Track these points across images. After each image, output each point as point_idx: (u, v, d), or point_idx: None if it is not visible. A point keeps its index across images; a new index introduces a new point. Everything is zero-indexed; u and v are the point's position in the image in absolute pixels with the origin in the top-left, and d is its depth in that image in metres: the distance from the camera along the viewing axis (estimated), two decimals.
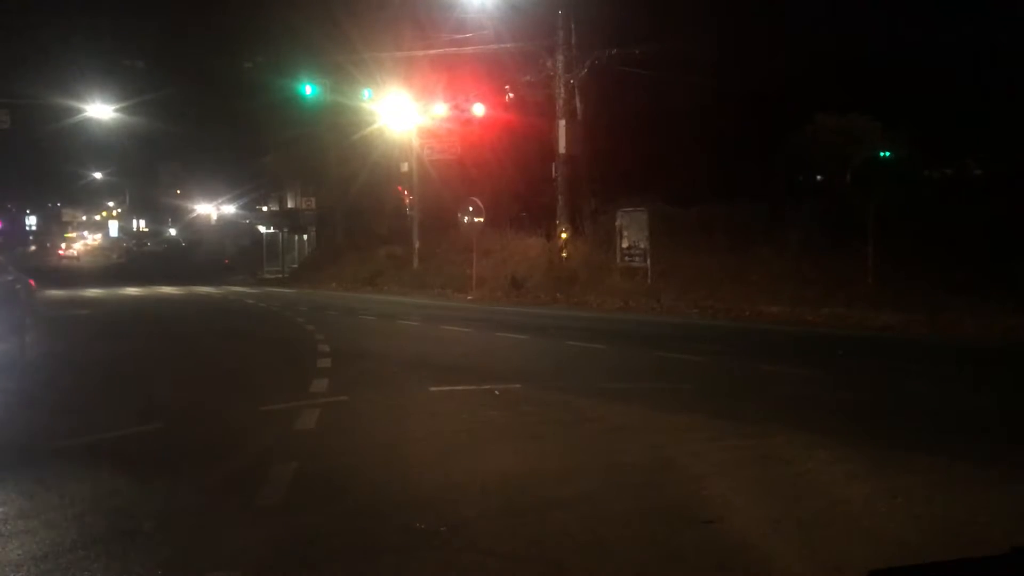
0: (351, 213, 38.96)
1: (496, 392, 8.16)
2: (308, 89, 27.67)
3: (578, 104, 23.51)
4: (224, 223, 60.80)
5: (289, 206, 50.46)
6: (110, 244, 71.08)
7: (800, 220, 18.94)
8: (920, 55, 20.25)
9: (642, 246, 20.99)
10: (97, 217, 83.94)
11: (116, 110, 33.53)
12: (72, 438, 6.26)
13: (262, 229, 53.93)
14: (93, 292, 28.87)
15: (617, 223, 21.59)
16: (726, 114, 21.97)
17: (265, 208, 55.08)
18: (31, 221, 70.15)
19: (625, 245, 21.43)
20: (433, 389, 8.30)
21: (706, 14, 22.16)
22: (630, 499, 4.85)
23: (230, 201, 58.41)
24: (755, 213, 20.21)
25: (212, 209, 61.88)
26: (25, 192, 61.93)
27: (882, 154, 18.48)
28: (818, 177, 22.32)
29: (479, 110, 25.22)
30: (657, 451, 5.84)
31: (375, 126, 30.62)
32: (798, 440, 6.09)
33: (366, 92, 28.22)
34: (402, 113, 28.99)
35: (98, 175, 68.77)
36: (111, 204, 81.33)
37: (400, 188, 33.54)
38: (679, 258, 20.30)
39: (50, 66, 40.98)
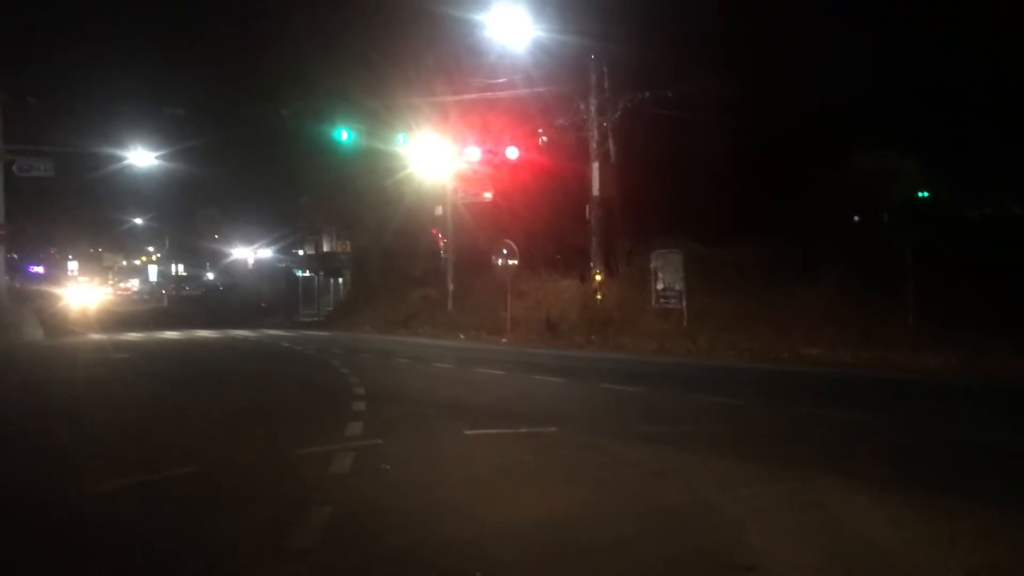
0: (386, 256, 39.25)
1: (531, 436, 8.10)
2: (344, 134, 28.02)
3: (611, 146, 23.60)
4: (261, 267, 61.55)
5: (325, 249, 51.02)
6: (150, 289, 72.12)
7: (837, 260, 18.73)
8: (958, 93, 20.13)
9: (677, 287, 20.86)
10: (137, 262, 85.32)
11: (157, 157, 34.21)
12: (109, 481, 6.28)
13: (298, 272, 54.52)
14: (133, 336, 29.26)
15: (652, 265, 21.50)
16: (760, 154, 21.92)
17: (301, 252, 55.75)
18: (72, 266, 71.33)
19: (660, 287, 21.31)
20: (468, 432, 8.25)
21: (738, 54, 22.22)
22: (668, 544, 4.77)
23: (267, 245, 59.20)
24: (791, 253, 20.04)
25: (249, 253, 62.69)
26: (67, 237, 63.11)
27: (920, 194, 18.30)
28: (855, 217, 22.16)
29: (513, 153, 25.37)
30: (695, 496, 5.74)
31: (409, 170, 30.92)
32: (839, 485, 5.96)
33: (401, 137, 28.52)
34: (436, 157, 29.25)
35: (138, 220, 70.02)
36: (151, 249, 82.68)
37: (434, 231, 33.78)
38: (715, 299, 20.13)
39: (92, 115, 42.04)
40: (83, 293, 49.77)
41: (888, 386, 12.82)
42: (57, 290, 43.55)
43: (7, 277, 31.22)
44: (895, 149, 21.00)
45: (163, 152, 34.33)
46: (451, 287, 30.24)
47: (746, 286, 19.84)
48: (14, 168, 29.28)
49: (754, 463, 6.75)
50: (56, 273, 60.31)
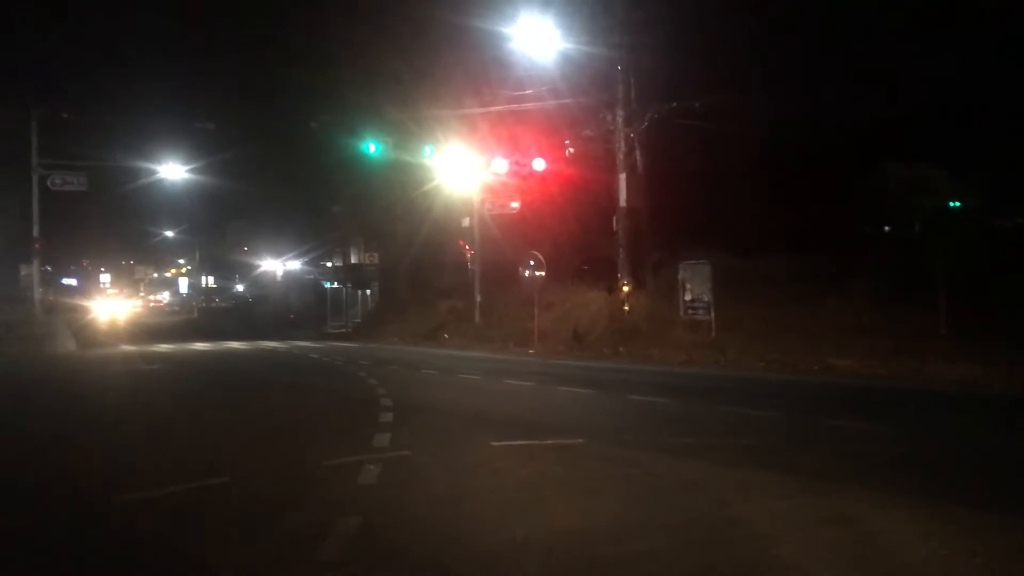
0: (413, 268, 39.41)
1: (559, 447, 8.07)
2: (372, 147, 28.20)
3: (638, 157, 23.55)
4: (289, 279, 61.99)
5: (353, 261, 51.31)
6: (180, 300, 72.86)
7: (868, 271, 18.56)
8: (990, 101, 19.90)
9: (705, 299, 20.75)
10: (168, 274, 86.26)
11: (188, 171, 34.66)
12: (139, 492, 6.33)
13: (326, 284, 54.85)
14: (164, 348, 29.56)
15: (680, 276, 21.41)
16: (789, 164, 21.79)
17: (329, 264, 56.10)
18: (104, 278, 72.26)
19: (688, 298, 21.20)
20: (495, 444, 8.24)
21: (767, 64, 22.13)
22: (696, 558, 4.73)
23: (295, 257, 59.64)
24: (821, 264, 19.89)
25: (278, 265, 63.18)
26: (99, 250, 64.01)
27: (952, 203, 18.10)
28: (885, 227, 21.95)
29: (539, 165, 25.40)
30: (724, 508, 5.69)
31: (437, 182, 31.05)
32: (871, 498, 5.88)
33: (428, 149, 28.66)
34: (463, 169, 29.35)
35: (169, 233, 70.87)
36: (181, 261, 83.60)
37: (461, 243, 33.86)
38: (744, 310, 20.00)
39: (125, 129, 42.57)
40: (114, 305, 50.39)
41: (921, 398, 12.66)
42: (89, 302, 44.13)
43: (41, 289, 31.67)
44: (926, 159, 20.79)
45: (194, 166, 34.82)
46: (478, 299, 30.28)
47: (775, 297, 19.71)
48: (48, 183, 29.79)
49: (784, 475, 6.68)
50: (89, 285, 61.12)
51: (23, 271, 33.17)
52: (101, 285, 67.27)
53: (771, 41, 22.46)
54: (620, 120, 23.12)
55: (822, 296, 18.94)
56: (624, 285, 23.17)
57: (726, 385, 14.77)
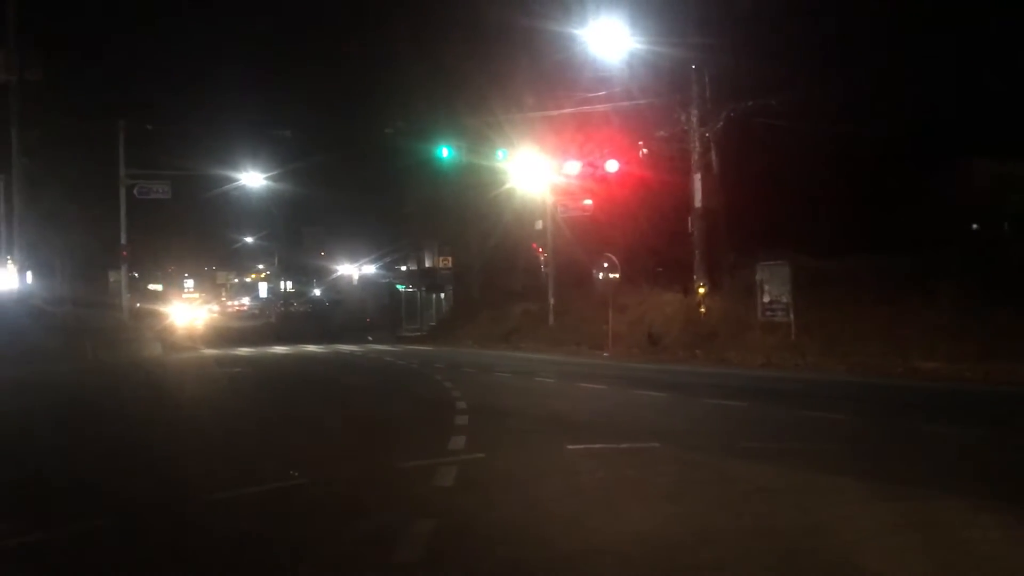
0: (486, 271, 39.61)
1: (634, 451, 7.99)
2: (445, 152, 28.43)
3: (714, 157, 23.25)
4: (365, 283, 62.89)
5: (427, 265, 51.81)
6: (260, 305, 74.43)
7: (955, 271, 17.96)
8: None
9: (784, 300, 20.34)
10: (248, 279, 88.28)
11: (266, 178, 35.49)
12: (219, 492, 6.46)
13: (401, 288, 55.48)
14: (245, 351, 30.27)
15: (757, 277, 21.04)
16: (868, 161, 21.25)
17: (404, 268, 56.77)
18: (188, 283, 74.41)
19: (766, 299, 20.81)
20: (570, 447, 8.20)
21: (845, 59, 21.60)
22: (777, 565, 4.61)
23: (371, 262, 60.50)
24: (904, 264, 19.34)
25: (354, 270, 64.15)
26: (183, 256, 65.91)
27: None
28: (973, 225, 21.24)
29: (612, 166, 25.27)
30: (805, 515, 5.55)
31: (509, 185, 31.14)
32: (958, 504, 5.67)
33: (500, 152, 28.76)
34: (535, 172, 29.37)
35: (249, 239, 72.56)
36: (261, 266, 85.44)
37: (534, 245, 33.87)
38: (824, 312, 19.55)
39: (206, 139, 43.84)
40: (197, 310, 51.81)
41: (1012, 401, 12.20)
42: (174, 307, 45.41)
43: (128, 295, 32.74)
44: (1015, 154, 20.04)
45: (273, 173, 35.67)
46: (552, 301, 30.26)
47: (857, 299, 19.24)
48: (135, 192, 30.79)
49: (866, 481, 6.48)
50: (173, 291, 62.95)
51: (112, 278, 34.37)
52: (185, 290, 69.21)
53: (849, 34, 21.94)
54: (695, 120, 22.86)
55: (906, 297, 18.40)
56: (700, 287, 22.88)
57: (806, 388, 14.46)
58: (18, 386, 15.92)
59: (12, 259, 26.78)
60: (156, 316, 36.81)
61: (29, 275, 26.84)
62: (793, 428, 9.92)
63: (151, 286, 57.84)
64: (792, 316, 20.06)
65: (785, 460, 7.41)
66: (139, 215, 32.94)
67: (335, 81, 64.45)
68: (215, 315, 57.13)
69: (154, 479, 7.19)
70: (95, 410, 12.66)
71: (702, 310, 22.85)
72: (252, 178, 35.08)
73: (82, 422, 11.16)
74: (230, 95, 73.52)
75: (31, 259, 26.65)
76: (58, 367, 19.35)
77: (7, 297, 27.53)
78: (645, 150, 24.98)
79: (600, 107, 24.94)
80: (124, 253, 31.73)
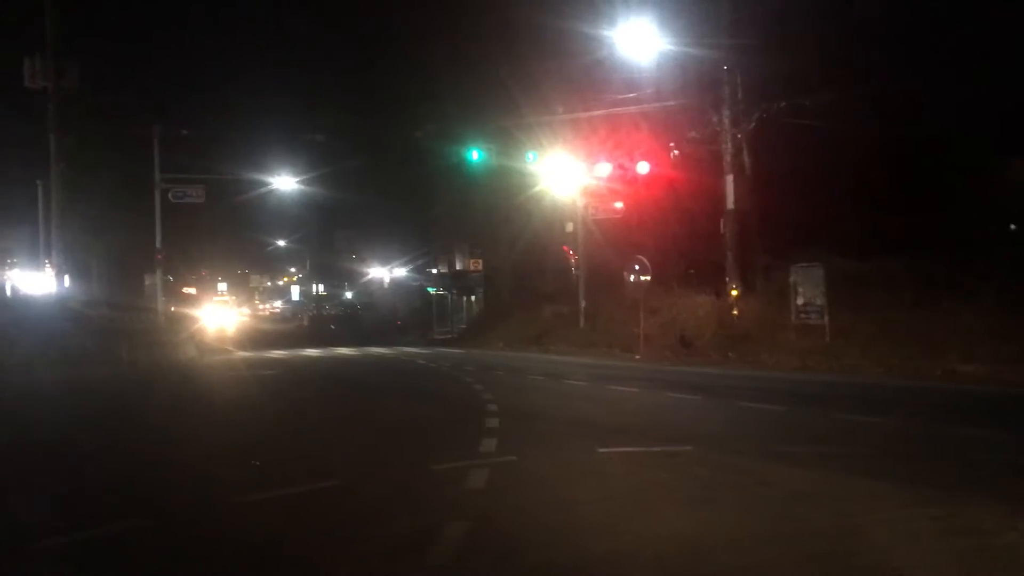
0: (517, 274, 39.60)
1: (667, 454, 7.93)
2: (475, 154, 28.47)
3: (746, 158, 23.05)
4: (396, 285, 63.15)
5: (457, 268, 51.91)
6: (292, 308, 75.00)
7: (994, 273, 17.67)
8: None
9: (818, 302, 20.12)
10: (280, 282, 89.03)
11: (298, 182, 35.77)
12: (254, 493, 6.50)
13: (431, 291, 55.66)
14: (278, 354, 30.49)
15: (791, 279, 20.82)
16: (903, 161, 20.98)
17: (434, 270, 56.91)
18: (222, 287, 75.16)
19: (800, 302, 20.59)
20: (602, 450, 8.15)
21: (879, 59, 21.34)
22: (812, 570, 4.56)
23: (401, 264, 60.74)
24: (941, 266, 19.07)
25: (385, 272, 64.43)
26: (216, 259, 66.61)
27: None
28: (1011, 226, 20.90)
29: (643, 168, 25.15)
30: (841, 519, 5.47)
31: (539, 187, 31.11)
32: (998, 510, 5.56)
33: (530, 155, 28.74)
34: (566, 174, 29.32)
35: (281, 242, 73.16)
36: (293, 269, 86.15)
37: (565, 248, 33.82)
38: (859, 314, 19.31)
39: (239, 143, 44.25)
40: (230, 313, 52.30)
41: None
42: (208, 310, 45.88)
43: (164, 298, 33.12)
44: None
45: (304, 177, 35.91)
46: (583, 304, 30.18)
47: (893, 301, 18.99)
48: (169, 196, 31.16)
49: (904, 486, 6.39)
50: (207, 294, 63.60)
51: (147, 281, 34.78)
52: (219, 294, 69.87)
53: (884, 34, 21.68)
54: (727, 121, 22.68)
55: (943, 299, 18.14)
56: (733, 289, 22.70)
57: (842, 391, 14.29)
58: (57, 389, 16.14)
59: (50, 263, 27.19)
60: (189, 319, 37.21)
61: (67, 278, 27.21)
62: (829, 432, 9.80)
63: (185, 289, 58.44)
64: (826, 318, 19.83)
65: (821, 464, 7.31)
66: (174, 219, 33.31)
67: (367, 85, 64.72)
68: (246, 318, 57.66)
69: (190, 480, 7.26)
70: (131, 413, 12.80)
71: (735, 312, 22.66)
72: (284, 182, 35.39)
73: (118, 424, 11.29)
74: (263, 100, 74.27)
75: (69, 262, 27.02)
76: (95, 370, 19.60)
77: (45, 300, 27.96)
78: (676, 152, 24.83)
79: (631, 109, 24.85)
80: (159, 256, 32.11)
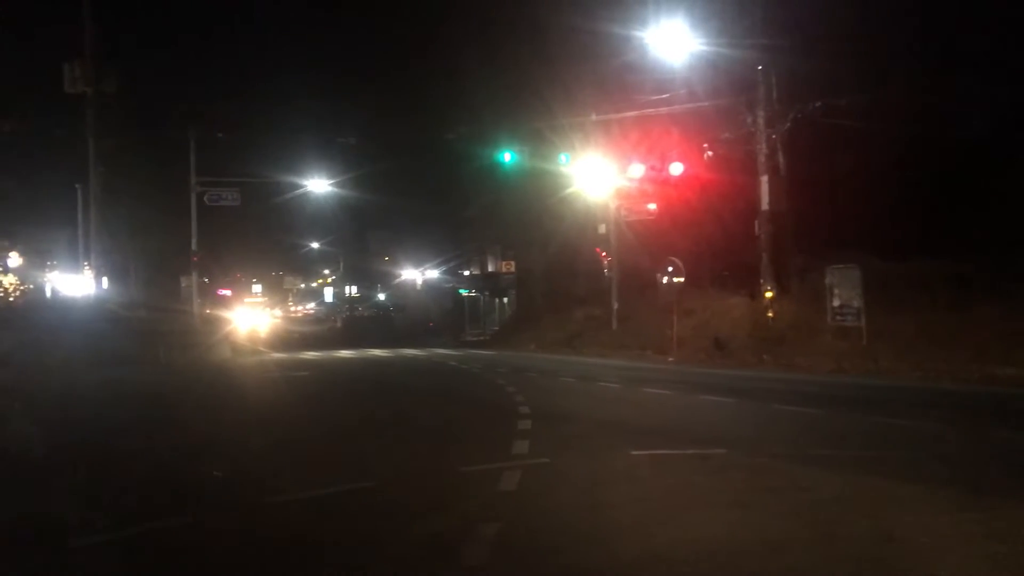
0: (549, 275, 39.53)
1: (700, 457, 7.88)
2: (507, 156, 28.46)
3: (781, 159, 22.83)
4: (428, 287, 63.37)
5: (489, 270, 51.98)
6: (325, 310, 75.51)
7: None
8: None
9: (855, 304, 19.87)
10: (314, 284, 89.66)
11: (331, 184, 36.01)
12: (288, 493, 6.55)
13: (463, 292, 55.79)
14: (311, 355, 30.70)
15: (827, 281, 20.59)
16: (941, 162, 20.68)
17: (467, 272, 57.05)
18: (257, 289, 75.88)
19: (836, 304, 20.36)
20: (635, 453, 8.12)
21: (916, 57, 21.05)
22: (849, 575, 4.50)
23: (434, 266, 60.95)
24: (979, 267, 18.76)
25: (417, 274, 64.68)
26: (251, 261, 67.29)
27: None
28: None
29: (676, 169, 24.99)
30: (877, 523, 5.40)
31: (571, 189, 31.03)
32: None
33: (563, 157, 28.68)
34: (598, 175, 29.23)
35: (315, 244, 73.69)
36: (326, 271, 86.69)
37: (597, 249, 33.72)
38: (897, 316, 19.05)
39: (273, 147, 44.65)
40: (263, 314, 52.76)
41: None
42: (240, 311, 46.31)
43: (199, 300, 33.50)
44: None
45: (338, 179, 36.13)
46: (615, 306, 30.07)
47: (931, 303, 18.71)
48: (205, 198, 31.52)
49: (943, 489, 6.30)
50: (242, 296, 64.24)
51: (183, 283, 35.19)
52: (254, 296, 70.53)
53: (919, 32, 21.38)
54: (761, 121, 22.49)
55: (982, 301, 17.85)
56: (767, 291, 22.49)
57: (878, 395, 14.12)
58: (96, 389, 16.38)
59: (89, 265, 27.62)
60: (223, 321, 37.60)
61: (105, 280, 27.64)
62: (865, 435, 9.68)
63: (220, 291, 59.07)
64: (863, 320, 19.59)
65: (856, 468, 7.23)
66: (209, 221, 33.67)
67: (399, 88, 65.17)
68: (279, 319, 58.14)
69: (226, 481, 7.34)
70: (167, 413, 12.95)
71: (769, 315, 22.45)
72: (318, 184, 35.65)
73: (155, 424, 11.43)
74: (297, 103, 74.90)
75: (107, 265, 27.45)
76: (132, 371, 19.87)
77: (84, 301, 28.41)
78: (710, 152, 24.65)
79: (663, 110, 24.71)
80: (195, 258, 32.49)
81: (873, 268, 20.18)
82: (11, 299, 43.86)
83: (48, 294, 50.27)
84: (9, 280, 48.57)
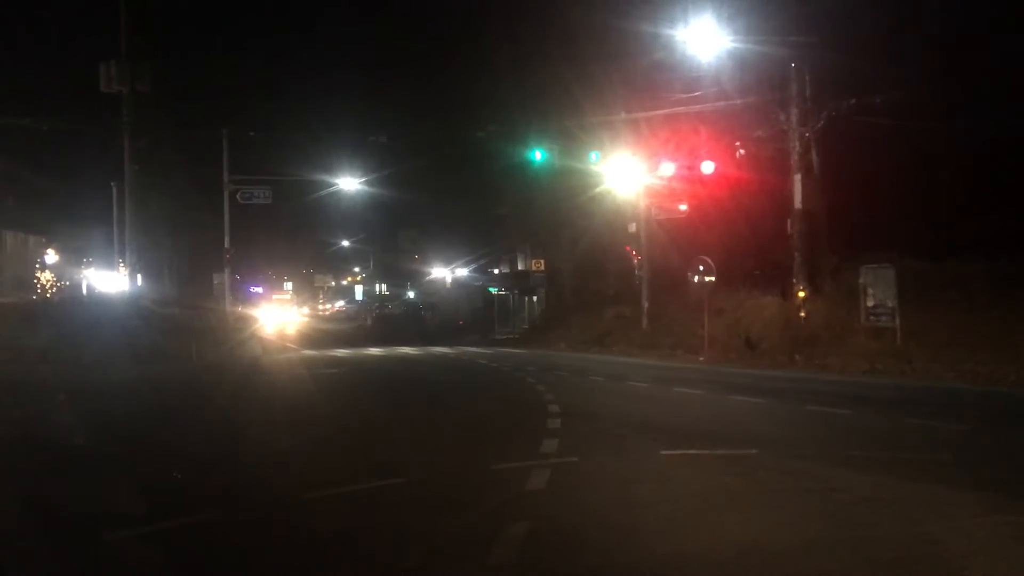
0: (579, 274, 39.46)
1: (731, 458, 7.82)
2: (538, 155, 28.44)
3: (814, 157, 22.58)
4: (458, 285, 63.47)
5: (519, 268, 51.95)
6: (356, 307, 75.91)
7: None
8: None
9: (889, 304, 19.61)
10: (344, 282, 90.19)
11: (362, 182, 36.18)
12: (321, 489, 6.59)
13: (493, 291, 55.82)
14: (341, 353, 30.88)
15: (860, 280, 20.34)
16: (981, 160, 20.36)
17: (496, 271, 57.08)
18: (288, 286, 76.50)
19: (870, 304, 20.11)
20: (664, 453, 8.08)
21: (953, 53, 20.72)
22: None
23: (464, 264, 61.04)
24: (1015, 267, 18.45)
25: (447, 272, 64.82)
26: (282, 259, 67.89)
27: None
28: None
29: (708, 168, 24.81)
30: (912, 526, 5.33)
31: (602, 188, 30.94)
32: None
33: (593, 155, 28.60)
34: (629, 174, 29.12)
35: (346, 242, 74.13)
36: (356, 269, 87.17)
37: (628, 248, 33.58)
38: (932, 317, 18.78)
39: (305, 145, 44.96)
40: (291, 312, 53.14)
41: None
42: (264, 309, 46.66)
43: (231, 296, 33.82)
44: None
45: (368, 177, 36.30)
46: (645, 305, 29.93)
47: (968, 303, 18.42)
48: (238, 196, 31.81)
49: (977, 492, 6.20)
50: (273, 293, 64.78)
51: (216, 280, 35.56)
52: (282, 291, 71.07)
53: (956, 29, 21.05)
54: (794, 119, 22.26)
55: (1019, 302, 17.54)
56: (800, 290, 22.27)
57: (913, 396, 13.94)
58: (130, 385, 16.57)
59: (124, 262, 27.97)
60: (253, 318, 37.92)
61: (139, 277, 27.97)
62: (900, 437, 9.56)
63: (252, 288, 59.60)
64: (897, 321, 19.33)
65: (892, 470, 7.14)
66: (242, 219, 33.98)
67: (430, 86, 65.44)
68: (308, 317, 58.51)
69: (260, 476, 7.40)
70: (201, 409, 13.10)
71: (802, 314, 22.22)
72: (348, 182, 35.82)
73: (190, 420, 11.56)
74: (329, 102, 75.45)
75: (141, 262, 27.75)
76: (166, 367, 20.10)
77: (119, 298, 28.78)
78: (742, 151, 24.44)
79: (695, 108, 24.53)
80: (228, 256, 32.79)
81: (908, 268, 19.92)
82: (48, 295, 44.51)
83: (84, 291, 51.03)
84: (46, 277, 49.29)
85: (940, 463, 7.55)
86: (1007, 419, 11.13)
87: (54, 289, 47.88)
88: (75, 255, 55.47)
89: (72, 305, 33.65)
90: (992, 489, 6.30)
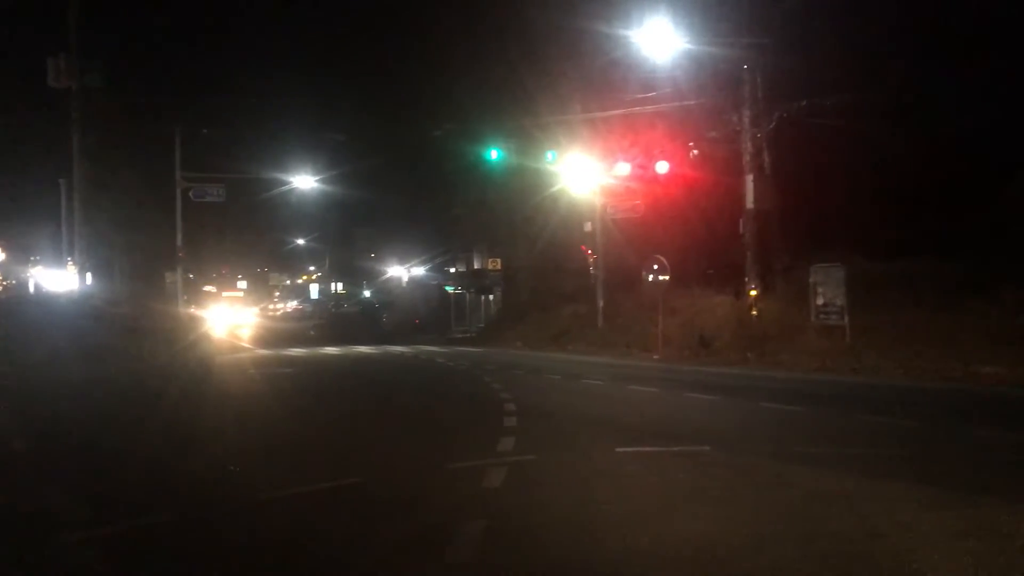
0: (535, 273, 39.57)
1: (685, 454, 7.91)
2: (494, 154, 28.45)
3: (766, 158, 22.91)
4: (414, 284, 63.25)
5: (476, 267, 51.96)
6: (311, 306, 75.24)
7: (1016, 274, 17.50)
8: None
9: (839, 303, 19.98)
10: (299, 281, 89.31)
11: (318, 181, 35.89)
12: (274, 491, 6.54)
13: (450, 290, 55.75)
14: (296, 352, 30.59)
15: (811, 279, 20.69)
16: (928, 163, 20.79)
17: (453, 269, 57.02)
18: (242, 285, 75.52)
19: (820, 302, 20.46)
20: (620, 450, 8.15)
21: (902, 58, 21.15)
22: (832, 571, 4.54)
23: (420, 263, 60.87)
24: (963, 267, 18.89)
25: (403, 271, 64.56)
26: (236, 258, 67.01)
27: None
28: None
29: (663, 168, 25.03)
30: (861, 520, 5.44)
31: (558, 187, 31.08)
32: (1018, 512, 5.52)
33: (549, 154, 28.70)
34: (585, 173, 29.27)
35: (301, 241, 73.46)
36: (312, 268, 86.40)
37: (584, 247, 33.75)
38: (881, 316, 19.17)
39: (259, 142, 44.54)
40: (247, 311, 52.52)
41: None
42: (222, 308, 46.06)
43: (184, 296, 33.33)
44: None
45: (324, 176, 36.04)
46: (601, 303, 30.11)
47: (916, 302, 18.85)
48: (190, 194, 31.37)
49: (926, 487, 6.34)
50: (226, 292, 63.92)
51: (168, 279, 34.98)
52: (238, 292, 70.12)
53: (904, 33, 21.48)
54: (746, 120, 22.55)
55: (966, 301, 17.98)
56: (752, 289, 22.57)
57: (862, 393, 14.21)
58: (79, 386, 16.25)
59: (73, 260, 27.42)
60: (205, 317, 37.40)
61: (89, 276, 27.43)
62: (849, 433, 9.75)
63: (206, 287, 58.80)
64: (847, 319, 19.70)
65: (841, 465, 7.27)
66: (195, 218, 33.50)
67: (386, 85, 65.00)
68: (261, 316, 57.86)
69: (212, 477, 7.31)
70: (153, 410, 12.88)
71: (754, 313, 22.54)
72: (304, 181, 35.52)
73: (140, 421, 11.37)
74: (283, 99, 74.57)
75: (91, 260, 27.23)
76: (116, 367, 19.73)
77: (68, 297, 28.18)
78: (696, 151, 24.71)
79: (650, 108, 24.73)
80: (181, 255, 32.32)
81: (857, 267, 20.31)
82: None
83: (32, 289, 49.88)
84: None
85: (888, 458, 7.73)
86: (954, 415, 11.39)
87: (0, 288, 46.79)
88: (22, 253, 54.24)
89: (19, 304, 32.90)
90: (938, 484, 6.46)
